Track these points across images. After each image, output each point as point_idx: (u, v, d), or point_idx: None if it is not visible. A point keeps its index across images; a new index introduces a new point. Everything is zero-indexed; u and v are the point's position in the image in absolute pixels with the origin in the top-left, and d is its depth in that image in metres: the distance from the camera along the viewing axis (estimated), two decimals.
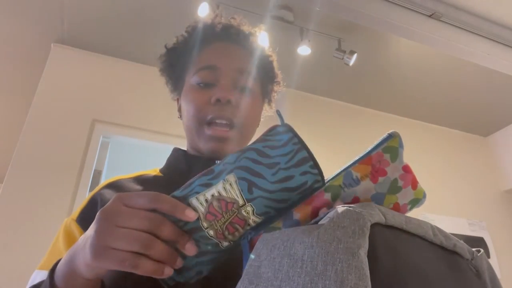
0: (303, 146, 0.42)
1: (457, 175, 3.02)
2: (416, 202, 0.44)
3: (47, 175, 2.04)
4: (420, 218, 0.40)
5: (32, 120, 2.15)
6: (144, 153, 2.45)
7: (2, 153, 3.00)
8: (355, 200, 0.41)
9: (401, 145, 0.43)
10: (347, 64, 2.22)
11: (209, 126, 0.63)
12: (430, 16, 1.96)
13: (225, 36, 0.72)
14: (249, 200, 0.41)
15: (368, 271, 0.27)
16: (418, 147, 2.99)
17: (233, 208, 0.41)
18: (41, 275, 0.57)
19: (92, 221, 0.58)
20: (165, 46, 0.75)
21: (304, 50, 2.23)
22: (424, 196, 0.45)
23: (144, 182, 0.66)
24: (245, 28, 0.74)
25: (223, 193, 0.41)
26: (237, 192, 0.41)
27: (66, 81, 2.31)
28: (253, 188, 0.41)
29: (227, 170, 0.43)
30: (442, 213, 2.74)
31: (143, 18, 2.17)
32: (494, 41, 2.11)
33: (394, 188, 0.42)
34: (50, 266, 0.57)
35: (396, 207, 0.43)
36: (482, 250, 0.44)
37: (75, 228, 0.60)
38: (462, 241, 0.42)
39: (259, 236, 0.41)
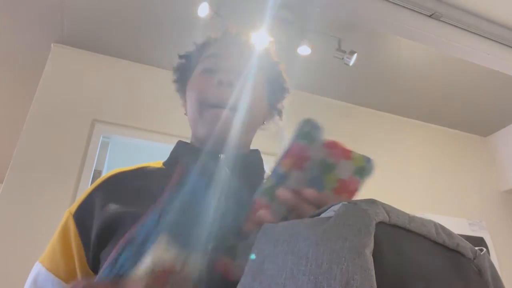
0: None
1: (457, 175, 3.02)
2: (361, 170, 0.42)
3: (47, 175, 2.03)
4: None
5: (32, 120, 2.15)
6: (144, 153, 2.45)
7: (2, 153, 3.00)
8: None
9: (314, 127, 0.43)
10: (347, 64, 2.21)
11: (210, 109, 0.64)
12: (430, 16, 1.96)
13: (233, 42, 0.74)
14: None
15: (374, 271, 0.27)
16: (418, 147, 2.99)
17: None
18: (37, 269, 0.58)
19: (88, 223, 0.58)
20: (178, 55, 0.77)
21: (304, 50, 2.23)
22: (368, 161, 0.43)
23: (146, 175, 0.66)
24: (252, 41, 0.75)
25: None
26: None
27: (66, 81, 2.31)
28: None
29: None
30: (442, 213, 2.74)
31: (143, 18, 2.16)
32: (494, 41, 2.11)
33: (326, 166, 0.42)
34: (46, 261, 0.58)
35: (344, 183, 0.42)
36: (484, 249, 0.44)
37: (71, 225, 0.60)
38: (465, 240, 0.42)
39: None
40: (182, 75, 0.76)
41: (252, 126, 0.69)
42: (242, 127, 0.66)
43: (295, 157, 0.42)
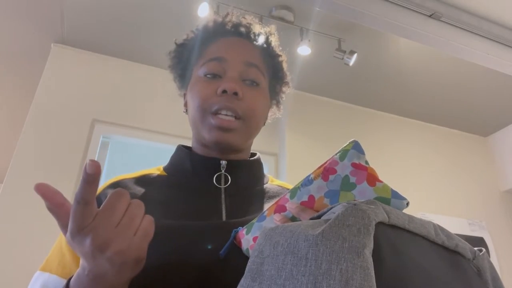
0: None
1: (457, 175, 3.02)
2: (384, 202, 0.40)
3: (47, 175, 2.03)
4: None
5: (32, 120, 2.15)
6: (144, 153, 2.45)
7: (2, 152, 3.00)
8: (310, 198, 0.45)
9: (355, 148, 0.45)
10: (347, 64, 2.21)
11: (214, 116, 0.62)
12: (430, 16, 1.96)
13: (235, 32, 0.72)
14: None
15: (373, 271, 0.27)
16: (418, 147, 2.99)
17: None
18: (43, 278, 0.56)
19: None
20: (175, 42, 0.75)
21: (304, 50, 2.22)
22: (395, 195, 0.41)
23: (148, 183, 0.65)
24: (256, 27, 0.73)
25: None
26: None
27: (66, 81, 2.31)
28: None
29: None
30: (442, 213, 2.74)
31: (143, 18, 2.16)
32: (494, 41, 2.11)
33: (347, 184, 0.44)
34: (54, 268, 0.57)
35: None
36: (484, 250, 0.44)
37: None
38: (464, 241, 0.42)
39: (242, 231, 0.50)
40: (182, 70, 0.74)
41: (256, 130, 0.69)
42: (246, 133, 0.66)
43: (326, 168, 0.46)
